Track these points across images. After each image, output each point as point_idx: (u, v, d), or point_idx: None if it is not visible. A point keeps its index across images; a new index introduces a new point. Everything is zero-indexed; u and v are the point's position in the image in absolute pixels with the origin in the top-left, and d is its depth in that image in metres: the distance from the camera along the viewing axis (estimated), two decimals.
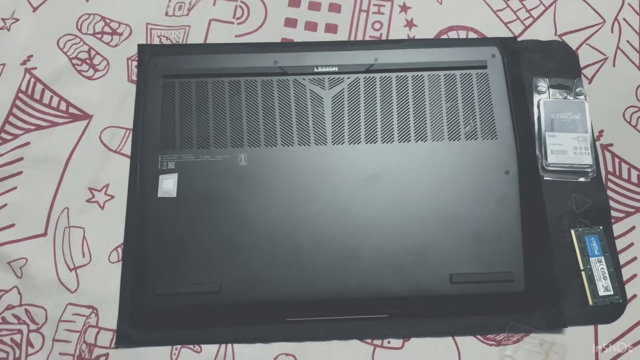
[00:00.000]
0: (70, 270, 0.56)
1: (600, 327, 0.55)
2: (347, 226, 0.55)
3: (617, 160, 0.61)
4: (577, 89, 0.63)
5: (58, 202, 0.58)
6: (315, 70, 0.61)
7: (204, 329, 0.54)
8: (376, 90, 0.60)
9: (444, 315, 0.55)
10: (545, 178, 0.60)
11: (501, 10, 0.68)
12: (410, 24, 0.67)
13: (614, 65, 0.65)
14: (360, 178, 0.57)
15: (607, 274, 0.56)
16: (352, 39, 0.66)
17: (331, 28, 0.66)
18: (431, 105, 0.60)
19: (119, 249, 0.57)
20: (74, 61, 0.64)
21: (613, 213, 0.59)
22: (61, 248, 0.57)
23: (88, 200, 0.59)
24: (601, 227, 0.58)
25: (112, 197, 0.59)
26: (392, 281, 0.54)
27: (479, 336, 0.55)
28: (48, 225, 0.58)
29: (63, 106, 0.62)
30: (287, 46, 0.65)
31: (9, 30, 0.65)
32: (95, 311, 0.55)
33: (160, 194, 0.56)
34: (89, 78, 0.63)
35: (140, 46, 0.64)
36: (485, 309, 0.55)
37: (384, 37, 0.66)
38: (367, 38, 0.66)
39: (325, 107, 0.60)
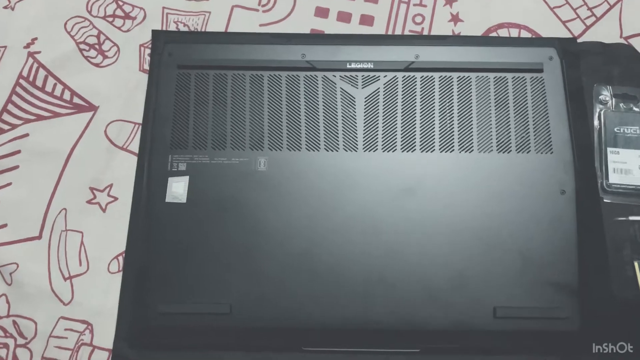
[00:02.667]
0: (65, 279, 0.50)
1: None
2: (376, 245, 0.49)
3: None
4: None
5: (56, 202, 0.53)
6: (348, 66, 0.54)
7: (210, 353, 0.48)
8: (416, 91, 0.53)
9: (485, 354, 0.48)
10: (604, 200, 0.53)
11: (559, 7, 0.60)
12: (455, 18, 0.59)
13: None
14: (394, 191, 0.50)
15: None
16: (389, 32, 0.59)
17: (367, 20, 0.59)
18: (479, 111, 0.53)
19: (120, 258, 0.51)
20: (82, 46, 0.58)
21: None
22: (56, 254, 0.51)
23: (89, 202, 0.53)
24: None
25: (116, 199, 0.53)
26: (425, 311, 0.47)
27: None
28: (43, 227, 0.52)
29: (67, 95, 0.56)
30: (316, 38, 0.58)
31: (13, 9, 0.59)
32: (90, 327, 0.49)
33: (168, 199, 0.50)
34: (97, 65, 0.57)
35: (154, 32, 0.58)
36: (532, 349, 0.48)
37: (425, 32, 0.59)
38: (406, 32, 0.59)
39: (358, 108, 0.53)
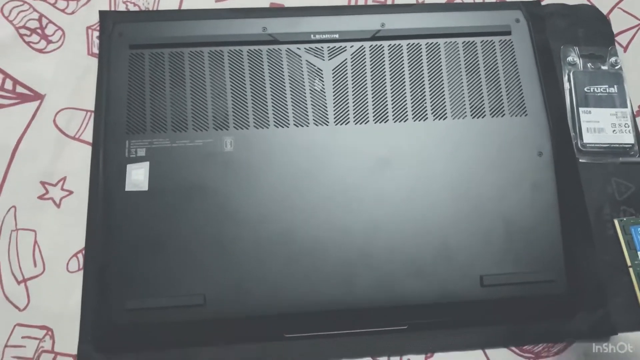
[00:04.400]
0: (19, 282, 0.46)
1: None
2: (355, 221, 0.46)
3: None
4: (612, 59, 0.55)
5: (3, 200, 0.48)
6: (312, 37, 0.51)
7: (185, 350, 0.45)
8: (384, 60, 0.51)
9: (473, 324, 0.47)
10: (580, 160, 0.52)
11: None
12: None
13: None
14: (369, 164, 0.48)
15: None
16: (352, 4, 0.57)
17: None
18: (449, 78, 0.51)
19: (80, 256, 0.47)
20: (22, 31, 0.53)
21: None
22: (7, 256, 0.46)
23: (40, 197, 0.48)
24: None
25: (70, 192, 0.49)
26: (410, 285, 0.45)
27: (513, 347, 0.46)
28: None
29: (9, 85, 0.52)
30: (277, 11, 0.55)
31: None
32: (50, 333, 0.45)
33: (128, 188, 0.46)
34: (40, 51, 0.53)
35: (102, 13, 0.54)
36: (520, 316, 0.47)
37: (389, 2, 0.57)
38: (370, 3, 0.57)
39: (326, 80, 0.50)
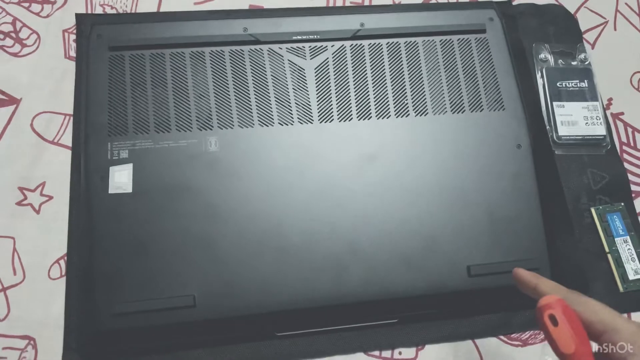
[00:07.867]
0: None
1: (634, 315, 0.48)
2: (342, 217, 0.47)
3: (629, 129, 0.56)
4: (581, 55, 0.57)
5: None
6: (294, 38, 0.52)
7: (175, 353, 0.44)
8: (365, 59, 0.52)
9: (462, 315, 0.47)
10: (556, 152, 0.54)
11: None
12: None
13: (615, 29, 0.60)
14: (354, 160, 0.48)
15: (635, 255, 0.50)
16: (330, 5, 0.58)
17: None
18: (429, 75, 0.52)
19: (62, 262, 0.46)
20: None
21: (632, 187, 0.53)
22: None
23: (19, 203, 0.47)
24: (622, 204, 0.52)
25: (50, 197, 0.47)
26: (399, 279, 0.45)
27: (502, 336, 0.47)
28: None
29: None
30: (257, 12, 0.55)
31: None
32: (32, 342, 0.43)
33: (111, 190, 0.45)
34: (15, 55, 0.52)
35: (79, 16, 0.53)
36: (507, 304, 0.48)
37: (367, 3, 0.58)
38: (347, 4, 0.58)
39: (308, 79, 0.51)
